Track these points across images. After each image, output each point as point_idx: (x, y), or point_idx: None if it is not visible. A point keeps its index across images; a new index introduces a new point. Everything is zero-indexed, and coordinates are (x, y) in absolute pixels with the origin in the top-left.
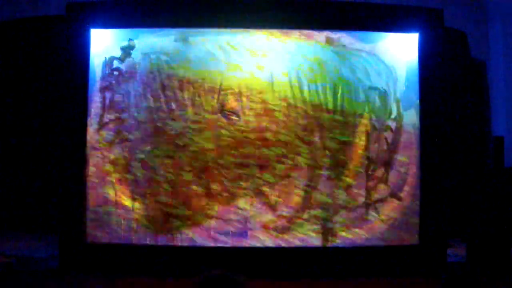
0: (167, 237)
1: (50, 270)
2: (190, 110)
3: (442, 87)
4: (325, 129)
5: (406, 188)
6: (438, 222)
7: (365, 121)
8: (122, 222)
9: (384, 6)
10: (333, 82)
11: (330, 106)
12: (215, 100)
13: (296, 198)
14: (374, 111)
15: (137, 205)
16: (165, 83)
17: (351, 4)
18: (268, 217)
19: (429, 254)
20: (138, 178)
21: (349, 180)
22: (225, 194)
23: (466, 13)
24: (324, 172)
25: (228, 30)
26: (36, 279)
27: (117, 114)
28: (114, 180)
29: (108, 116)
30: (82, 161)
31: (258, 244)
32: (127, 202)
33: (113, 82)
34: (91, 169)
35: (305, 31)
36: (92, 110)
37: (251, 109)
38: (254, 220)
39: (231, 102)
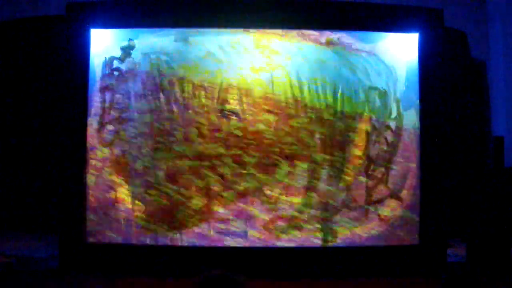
0: (167, 237)
1: (50, 270)
2: (190, 110)
3: (442, 87)
4: (325, 129)
5: (406, 188)
6: (438, 222)
7: (365, 121)
8: (122, 222)
9: (384, 6)
10: (333, 82)
11: (330, 106)
12: (215, 100)
13: (296, 198)
14: (374, 111)
15: (137, 205)
16: (165, 83)
17: (351, 4)
18: (268, 217)
19: (429, 254)
20: (138, 178)
21: (349, 180)
22: (225, 194)
23: (466, 13)
24: (324, 172)
25: (228, 30)
26: (36, 279)
27: (117, 114)
28: (114, 180)
29: (108, 116)
30: (82, 161)
31: (258, 244)
32: (127, 202)
33: (113, 82)
34: (91, 169)
35: (305, 31)
36: (92, 110)
37: (251, 109)
38: (254, 220)
39: (231, 102)
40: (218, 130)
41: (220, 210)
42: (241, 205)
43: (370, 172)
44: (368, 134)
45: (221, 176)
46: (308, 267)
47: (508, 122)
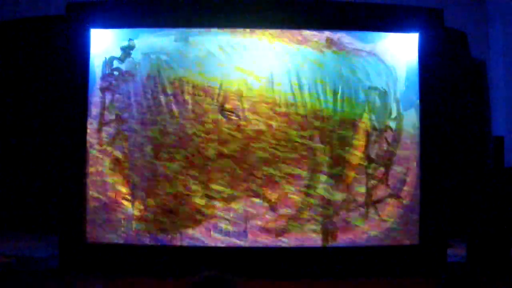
0: (167, 237)
1: (50, 270)
2: (190, 110)
3: (442, 87)
4: (325, 129)
5: (406, 188)
6: (438, 222)
7: (365, 121)
8: (122, 222)
9: (384, 6)
10: (333, 82)
11: (330, 106)
12: (215, 100)
13: (296, 198)
14: (374, 111)
15: (137, 205)
16: (165, 83)
17: (351, 4)
18: (268, 217)
19: (429, 254)
20: (138, 178)
21: (349, 180)
22: (225, 194)
23: (466, 13)
24: (324, 172)
25: (228, 30)
26: (36, 279)
27: (117, 114)
28: (114, 180)
29: (108, 116)
30: (82, 161)
31: (258, 244)
32: (127, 202)
33: (113, 82)
34: (91, 169)
35: (305, 31)
36: (92, 110)
37: (251, 109)
38: (254, 220)
39: (231, 102)
40: (218, 130)
41: (220, 210)
42: (241, 205)
43: (370, 172)
44: (368, 134)
45: (221, 175)
46: (308, 267)
47: (508, 122)
